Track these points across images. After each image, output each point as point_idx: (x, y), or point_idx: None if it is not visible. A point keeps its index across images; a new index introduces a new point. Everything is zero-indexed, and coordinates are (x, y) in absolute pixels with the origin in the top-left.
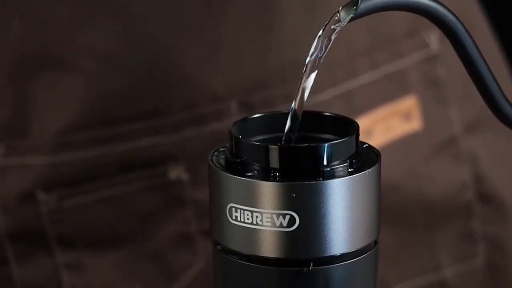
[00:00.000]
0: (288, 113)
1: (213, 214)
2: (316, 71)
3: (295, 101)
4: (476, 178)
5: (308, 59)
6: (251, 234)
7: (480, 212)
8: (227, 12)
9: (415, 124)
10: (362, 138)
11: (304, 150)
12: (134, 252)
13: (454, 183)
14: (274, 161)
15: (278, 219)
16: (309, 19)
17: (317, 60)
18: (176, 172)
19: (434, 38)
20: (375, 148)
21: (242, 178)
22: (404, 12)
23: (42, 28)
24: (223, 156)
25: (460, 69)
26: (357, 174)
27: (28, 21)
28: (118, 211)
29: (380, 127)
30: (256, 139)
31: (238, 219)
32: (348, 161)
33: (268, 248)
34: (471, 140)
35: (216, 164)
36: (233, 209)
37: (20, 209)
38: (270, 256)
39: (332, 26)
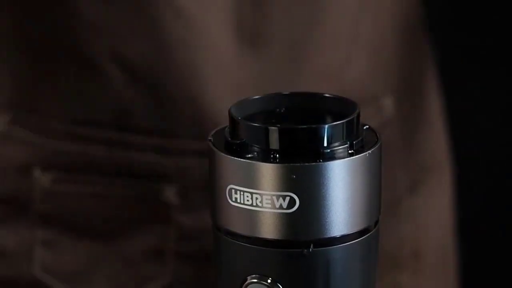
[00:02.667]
0: (288, 94)
1: (213, 196)
2: None
3: None
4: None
5: None
6: (251, 216)
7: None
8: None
9: None
10: None
11: (304, 132)
12: (108, 249)
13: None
14: (274, 143)
15: (278, 200)
16: None
17: None
18: (168, 193)
19: (389, 102)
20: (375, 130)
21: (241, 159)
22: (362, 77)
23: (83, 25)
24: (223, 137)
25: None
26: (357, 156)
27: (71, 16)
28: (104, 208)
29: None
30: (255, 121)
31: (238, 200)
32: (348, 142)
33: (268, 229)
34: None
35: (216, 146)
36: (233, 190)
37: (15, 179)
38: (270, 237)
39: None
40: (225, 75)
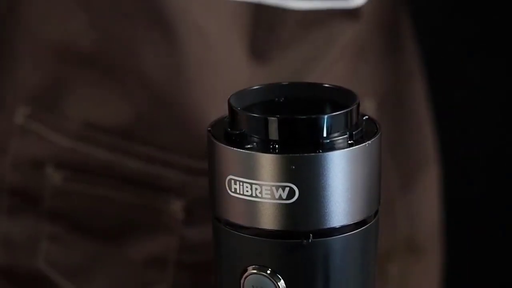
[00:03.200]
0: (287, 84)
1: (213, 186)
2: None
3: None
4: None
5: None
6: (251, 206)
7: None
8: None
9: None
10: None
11: (303, 122)
12: (111, 250)
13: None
14: (274, 133)
15: (277, 191)
16: None
17: None
18: (174, 207)
19: (370, 106)
20: (375, 120)
21: (241, 150)
22: (344, 80)
23: (108, 39)
24: (222, 128)
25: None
26: (357, 146)
27: (97, 28)
28: (111, 211)
29: None
30: (255, 111)
31: (238, 191)
32: (348, 133)
33: (268, 220)
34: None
35: (215, 136)
36: (232, 181)
37: (28, 172)
38: (270, 228)
39: None
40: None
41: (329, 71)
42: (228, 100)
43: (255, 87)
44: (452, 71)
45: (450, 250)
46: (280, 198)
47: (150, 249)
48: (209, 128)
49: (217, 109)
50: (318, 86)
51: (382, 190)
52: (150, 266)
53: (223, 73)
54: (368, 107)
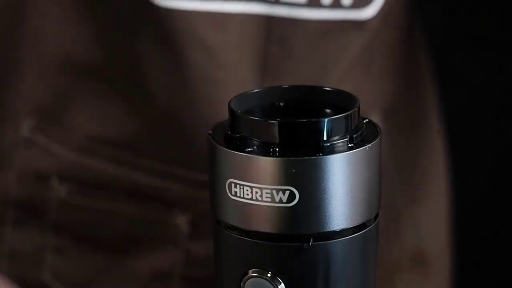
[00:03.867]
0: (288, 87)
1: (213, 190)
2: None
3: None
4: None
5: None
6: (251, 209)
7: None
8: None
9: None
10: None
11: (304, 125)
12: (116, 264)
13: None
14: (274, 136)
15: (277, 194)
16: None
17: None
18: (179, 221)
19: (376, 118)
20: (375, 123)
21: (241, 153)
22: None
23: (115, 50)
24: (223, 131)
25: None
26: (357, 149)
27: (107, 40)
28: (116, 225)
29: None
30: (255, 115)
31: (238, 194)
32: (348, 136)
33: (268, 223)
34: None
35: (216, 140)
36: (233, 184)
37: (33, 184)
38: (270, 231)
39: None
40: None
41: (341, 81)
42: (229, 104)
43: (255, 91)
44: (463, 84)
45: (459, 263)
46: (281, 201)
47: (155, 263)
48: (209, 132)
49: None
50: (318, 89)
51: (390, 203)
52: (156, 280)
53: (231, 89)
54: (374, 119)
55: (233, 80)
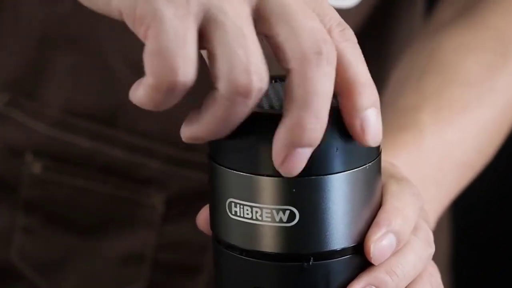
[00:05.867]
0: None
1: (213, 209)
2: None
3: None
4: None
5: None
6: (251, 229)
7: None
8: None
9: None
10: None
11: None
12: (87, 244)
13: None
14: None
15: (278, 214)
16: None
17: None
18: (155, 200)
19: None
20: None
21: (241, 173)
22: None
23: (95, 21)
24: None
25: None
26: (357, 169)
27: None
28: (90, 203)
29: None
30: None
31: (238, 214)
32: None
33: (268, 243)
34: None
35: (215, 159)
36: (233, 204)
37: (6, 160)
38: (270, 251)
39: None
40: None
41: None
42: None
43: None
44: None
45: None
46: (281, 221)
47: (127, 244)
48: (209, 153)
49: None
50: None
51: None
52: (127, 263)
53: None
54: None
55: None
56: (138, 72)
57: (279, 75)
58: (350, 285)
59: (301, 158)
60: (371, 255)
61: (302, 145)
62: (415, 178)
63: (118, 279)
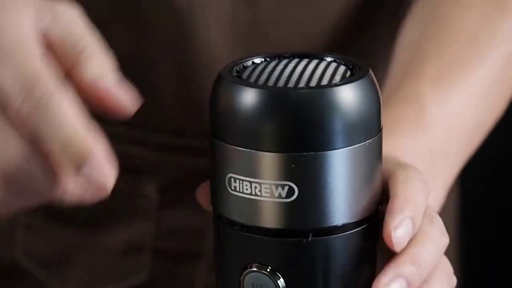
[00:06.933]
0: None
1: (213, 184)
2: None
3: None
4: None
5: None
6: (250, 204)
7: None
8: None
9: None
10: None
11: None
12: (88, 238)
13: None
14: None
15: (277, 190)
16: None
17: None
18: (149, 189)
19: None
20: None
21: (241, 148)
22: None
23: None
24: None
25: None
26: (357, 145)
27: None
28: None
29: None
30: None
31: (237, 189)
32: None
33: (267, 218)
34: None
35: (215, 134)
36: (232, 179)
37: None
38: (269, 227)
39: None
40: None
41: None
42: None
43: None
44: None
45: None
46: (280, 196)
47: (126, 235)
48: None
49: (188, 83)
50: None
51: None
52: (128, 254)
53: (200, 50)
54: None
55: (201, 43)
56: (123, 62)
57: (284, 52)
58: (377, 278)
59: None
60: (393, 242)
61: None
62: (420, 157)
63: (121, 270)
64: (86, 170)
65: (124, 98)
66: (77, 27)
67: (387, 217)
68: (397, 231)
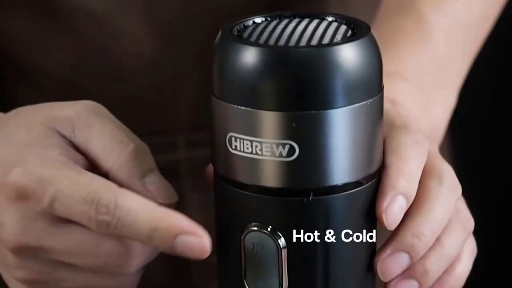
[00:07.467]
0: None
1: (213, 144)
2: None
3: None
4: None
5: None
6: (251, 163)
7: None
8: None
9: None
10: None
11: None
12: None
13: None
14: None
15: (277, 148)
16: None
17: None
18: None
19: None
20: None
21: (241, 107)
22: None
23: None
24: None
25: None
26: (358, 104)
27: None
28: None
29: None
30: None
31: (238, 148)
32: None
33: (268, 178)
34: None
35: (214, 93)
36: (233, 138)
37: None
38: (270, 186)
39: None
40: (146, 68)
41: None
42: None
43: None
44: None
45: None
46: (280, 155)
47: None
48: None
49: (128, 87)
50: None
51: None
52: None
53: (125, 56)
54: None
55: (125, 46)
56: (56, 81)
57: (287, 12)
58: (378, 253)
59: None
60: (386, 223)
61: None
62: (424, 70)
63: None
64: (179, 245)
65: None
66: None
67: (378, 195)
68: (388, 211)
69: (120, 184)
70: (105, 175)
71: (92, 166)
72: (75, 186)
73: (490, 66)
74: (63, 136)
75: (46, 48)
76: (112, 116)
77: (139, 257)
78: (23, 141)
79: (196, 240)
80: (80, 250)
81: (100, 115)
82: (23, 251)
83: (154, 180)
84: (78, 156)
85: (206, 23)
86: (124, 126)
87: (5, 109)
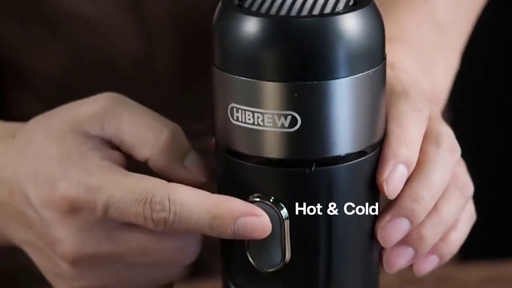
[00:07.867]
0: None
1: (215, 115)
2: None
3: None
4: None
5: None
6: (253, 134)
7: None
8: None
9: None
10: None
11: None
12: None
13: None
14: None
15: (279, 119)
16: None
17: None
18: None
19: None
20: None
21: (243, 78)
22: None
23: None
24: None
25: None
26: (361, 74)
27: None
28: None
29: None
30: None
31: (240, 119)
32: None
33: (270, 148)
34: None
35: (216, 64)
36: (235, 109)
37: None
38: (272, 157)
39: None
40: (139, 67)
41: None
42: None
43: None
44: None
45: None
46: (282, 126)
47: None
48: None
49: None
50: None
51: None
52: None
53: (116, 54)
54: None
55: (117, 47)
56: (52, 86)
57: None
58: (378, 220)
59: None
60: (386, 192)
61: None
62: (425, 33)
63: None
64: (241, 228)
65: None
66: None
67: (379, 164)
68: (389, 180)
69: (161, 171)
70: (143, 163)
71: (128, 157)
72: (125, 189)
73: (489, 65)
74: (94, 136)
75: (38, 51)
76: (136, 103)
77: (197, 246)
78: (60, 154)
79: (256, 219)
80: (143, 250)
81: (126, 104)
82: (83, 262)
83: (194, 161)
84: (115, 154)
85: (195, 21)
86: (151, 111)
87: (2, 112)
